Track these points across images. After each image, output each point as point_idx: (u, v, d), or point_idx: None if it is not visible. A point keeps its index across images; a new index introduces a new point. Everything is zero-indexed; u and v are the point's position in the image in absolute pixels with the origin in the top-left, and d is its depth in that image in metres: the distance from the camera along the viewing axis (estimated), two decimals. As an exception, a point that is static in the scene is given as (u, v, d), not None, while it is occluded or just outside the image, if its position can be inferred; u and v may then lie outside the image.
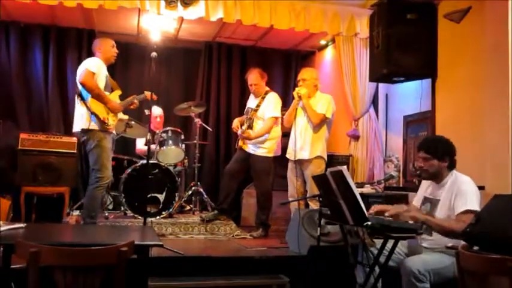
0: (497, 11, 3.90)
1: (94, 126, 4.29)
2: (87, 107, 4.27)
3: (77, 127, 4.39)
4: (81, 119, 4.33)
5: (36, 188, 5.56)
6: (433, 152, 3.15)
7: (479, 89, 4.16)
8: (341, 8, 5.26)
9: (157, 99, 6.31)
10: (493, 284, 2.14)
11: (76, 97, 4.39)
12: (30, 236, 2.67)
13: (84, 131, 4.31)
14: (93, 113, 4.25)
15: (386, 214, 3.00)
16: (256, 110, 5.09)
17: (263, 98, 5.14)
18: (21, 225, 2.82)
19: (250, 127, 5.06)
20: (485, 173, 3.88)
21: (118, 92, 4.64)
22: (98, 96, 4.28)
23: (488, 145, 3.95)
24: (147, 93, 4.78)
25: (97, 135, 4.30)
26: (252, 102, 5.25)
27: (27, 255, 2.04)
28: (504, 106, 3.78)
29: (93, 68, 4.27)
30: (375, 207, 3.17)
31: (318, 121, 4.73)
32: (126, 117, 4.91)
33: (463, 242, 2.53)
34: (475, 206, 2.95)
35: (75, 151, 5.71)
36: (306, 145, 4.76)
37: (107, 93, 4.40)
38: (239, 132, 5.05)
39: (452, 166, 3.18)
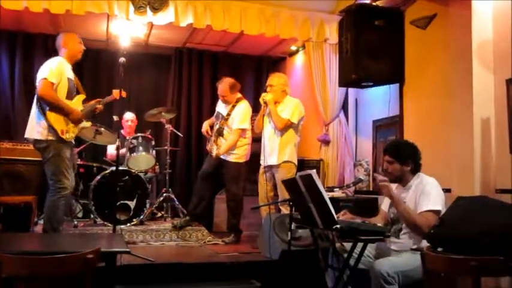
0: (461, 18, 3.99)
1: (51, 137, 4.01)
2: (45, 117, 3.99)
3: (31, 134, 4.07)
4: (37, 127, 4.04)
5: (3, 198, 5.40)
6: (396, 155, 3.23)
7: (445, 94, 4.25)
8: (311, 14, 5.33)
9: (128, 104, 6.33)
10: (458, 284, 2.18)
11: (35, 101, 4.09)
12: (-7, 246, 2.60)
13: (40, 141, 4.04)
14: (50, 126, 3.98)
15: (378, 178, 3.29)
16: (226, 119, 5.06)
17: (234, 106, 5.06)
18: (-15, 235, 2.75)
19: (220, 134, 5.03)
20: (451, 176, 3.96)
21: (82, 97, 4.37)
22: (58, 108, 4.01)
23: (453, 149, 4.04)
24: (115, 92, 4.53)
25: (54, 145, 4.02)
26: (222, 108, 5.18)
27: (-12, 266, 1.99)
28: (468, 110, 3.87)
29: (53, 78, 3.98)
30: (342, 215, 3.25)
31: (281, 126, 4.74)
32: (88, 124, 4.43)
33: (427, 243, 2.58)
34: (438, 206, 3.03)
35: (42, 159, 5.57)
36: (274, 151, 4.76)
37: (68, 101, 4.13)
38: (213, 152, 4.98)
39: (416, 169, 3.24)
